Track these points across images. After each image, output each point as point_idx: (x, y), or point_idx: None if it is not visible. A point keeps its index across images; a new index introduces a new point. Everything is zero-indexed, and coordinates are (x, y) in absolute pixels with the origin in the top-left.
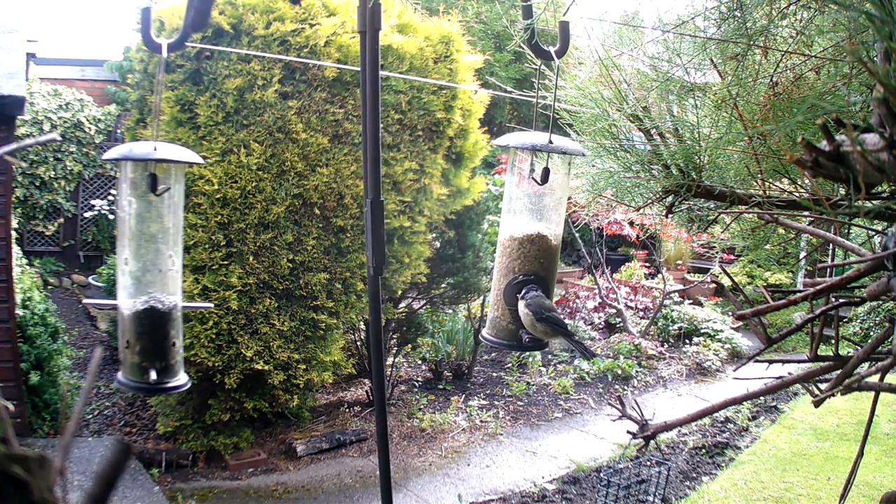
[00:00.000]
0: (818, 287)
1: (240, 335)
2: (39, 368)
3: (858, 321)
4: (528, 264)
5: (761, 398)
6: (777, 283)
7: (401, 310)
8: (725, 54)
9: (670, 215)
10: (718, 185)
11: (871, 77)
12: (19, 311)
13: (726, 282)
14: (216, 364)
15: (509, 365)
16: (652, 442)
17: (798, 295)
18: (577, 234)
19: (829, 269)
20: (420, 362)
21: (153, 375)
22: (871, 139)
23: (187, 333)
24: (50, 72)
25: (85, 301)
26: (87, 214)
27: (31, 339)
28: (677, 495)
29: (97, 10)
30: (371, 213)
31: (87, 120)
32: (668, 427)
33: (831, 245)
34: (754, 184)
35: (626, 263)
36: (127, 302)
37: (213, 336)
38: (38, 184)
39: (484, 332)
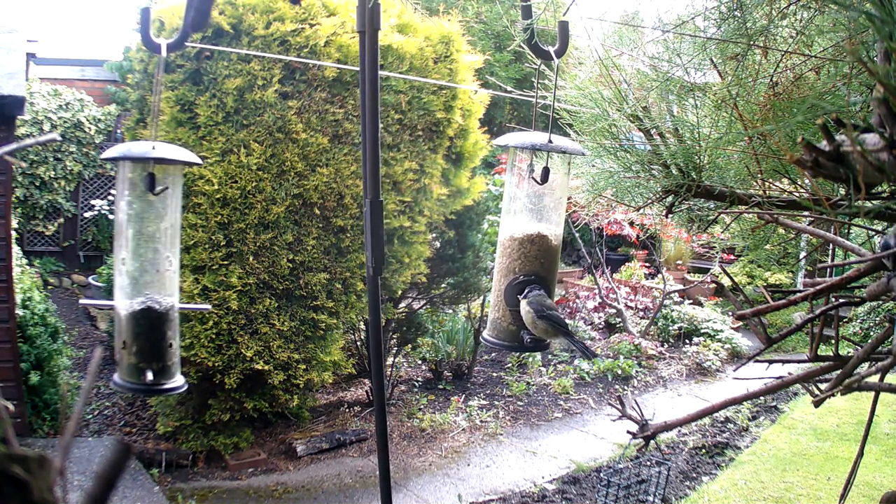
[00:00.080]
0: (818, 287)
1: (240, 335)
2: (39, 368)
3: (858, 321)
4: (529, 264)
5: (761, 398)
6: (777, 283)
7: (401, 310)
8: (725, 54)
9: (670, 215)
10: (718, 185)
11: (871, 77)
12: (19, 311)
13: (726, 282)
14: (216, 364)
15: (509, 365)
16: (652, 442)
17: (798, 295)
18: (577, 234)
19: (829, 269)
20: (420, 362)
21: (149, 376)
22: (871, 139)
23: (187, 333)
24: (50, 72)
25: (82, 301)
26: (87, 214)
27: (31, 339)
28: (677, 495)
29: (97, 10)
30: (370, 213)
31: (87, 120)
32: (668, 427)
33: (831, 245)
34: (754, 184)
35: (626, 263)
36: (124, 302)
37: (213, 336)
38: (38, 184)
39: (485, 333)
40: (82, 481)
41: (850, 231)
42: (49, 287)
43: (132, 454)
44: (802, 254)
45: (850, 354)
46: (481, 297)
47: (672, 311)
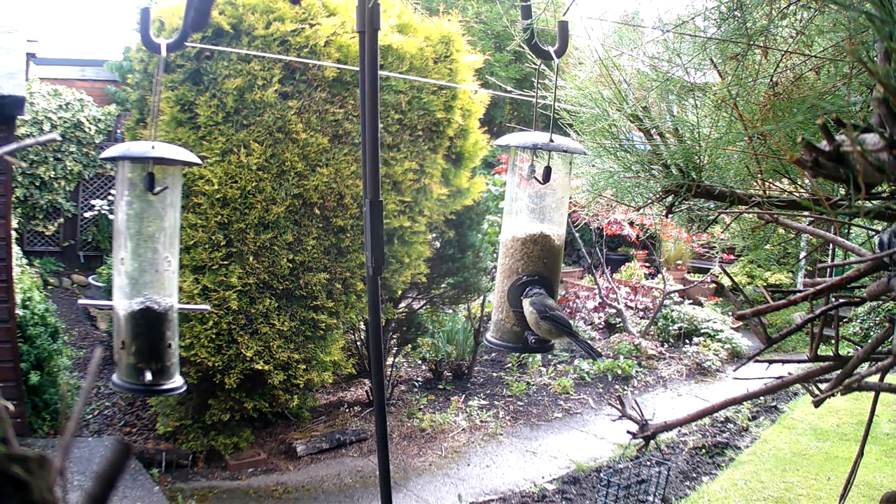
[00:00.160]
0: (818, 287)
1: (240, 335)
2: (39, 368)
3: (858, 321)
4: (532, 265)
5: (761, 398)
6: (777, 283)
7: (401, 310)
8: (725, 54)
9: (670, 215)
10: (718, 185)
11: (871, 77)
12: (19, 311)
13: (726, 282)
14: (216, 364)
15: (509, 365)
16: (652, 442)
17: (798, 295)
18: (577, 234)
19: (829, 269)
20: (420, 362)
21: (148, 377)
22: (871, 139)
23: (187, 333)
24: (50, 72)
25: (81, 301)
26: (87, 214)
27: (31, 339)
28: (677, 495)
29: (97, 10)
30: (370, 213)
31: (87, 120)
32: (668, 427)
33: (831, 245)
34: (754, 184)
35: (626, 263)
36: (122, 302)
37: (213, 336)
38: (38, 184)
39: (488, 335)
40: (82, 481)
41: (850, 231)
42: (49, 287)
43: (132, 454)
44: (802, 254)
45: (850, 354)
46: (481, 297)
47: (672, 311)
